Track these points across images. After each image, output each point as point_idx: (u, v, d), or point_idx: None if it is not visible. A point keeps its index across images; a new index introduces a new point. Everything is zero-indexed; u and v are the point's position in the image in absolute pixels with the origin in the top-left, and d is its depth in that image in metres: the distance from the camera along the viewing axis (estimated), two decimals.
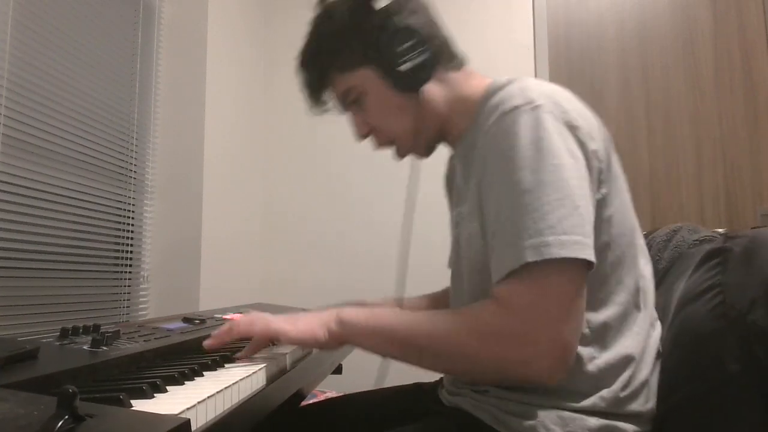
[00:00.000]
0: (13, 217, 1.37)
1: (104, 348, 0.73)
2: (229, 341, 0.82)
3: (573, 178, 0.68)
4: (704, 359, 0.71)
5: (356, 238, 2.42)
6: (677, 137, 2.26)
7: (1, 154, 1.34)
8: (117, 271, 1.80)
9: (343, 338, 0.78)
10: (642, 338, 0.77)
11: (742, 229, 0.92)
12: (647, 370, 0.76)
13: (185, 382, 0.65)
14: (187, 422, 0.42)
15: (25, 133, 1.41)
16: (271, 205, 2.57)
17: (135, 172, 1.88)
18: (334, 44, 0.86)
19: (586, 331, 0.73)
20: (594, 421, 0.71)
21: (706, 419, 0.69)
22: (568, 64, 2.39)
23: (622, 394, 0.73)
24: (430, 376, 0.89)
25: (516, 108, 0.72)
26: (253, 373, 0.72)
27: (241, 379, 0.67)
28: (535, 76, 2.34)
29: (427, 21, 0.85)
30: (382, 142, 0.90)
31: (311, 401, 1.13)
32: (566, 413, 0.71)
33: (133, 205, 1.88)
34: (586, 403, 0.72)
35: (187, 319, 1.10)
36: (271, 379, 0.77)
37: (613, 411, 0.72)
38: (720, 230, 0.98)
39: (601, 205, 0.74)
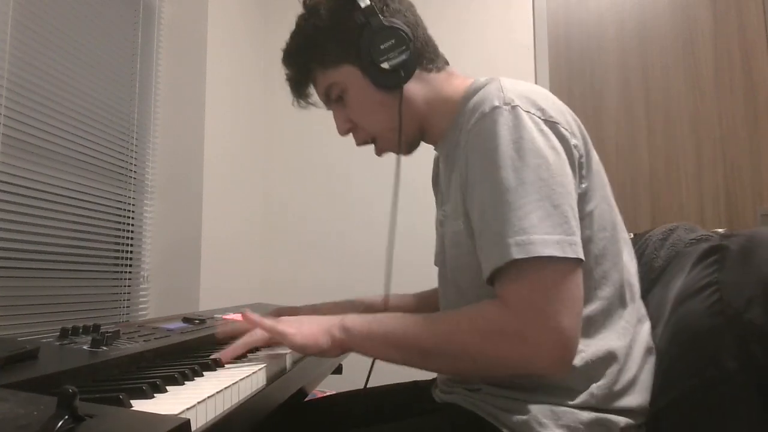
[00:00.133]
0: (13, 217, 1.37)
1: (104, 348, 0.73)
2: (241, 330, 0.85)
3: (555, 176, 0.70)
4: (701, 356, 0.71)
5: (356, 238, 2.42)
6: (677, 137, 2.26)
7: (1, 154, 1.34)
8: (117, 271, 1.80)
9: (346, 345, 0.79)
10: (628, 333, 0.78)
11: (741, 229, 0.92)
12: (636, 365, 0.77)
13: (185, 382, 0.65)
14: (187, 422, 0.42)
15: (25, 133, 1.41)
16: (271, 205, 2.57)
17: (135, 172, 1.88)
18: (317, 41, 0.88)
19: None
20: (586, 415, 0.72)
21: (703, 416, 0.70)
22: (568, 64, 2.39)
23: (613, 390, 0.74)
24: (425, 375, 0.89)
25: (495, 108, 0.73)
26: (253, 373, 0.72)
27: (241, 379, 0.67)
28: (535, 76, 2.34)
29: (409, 21, 0.87)
30: (363, 138, 0.93)
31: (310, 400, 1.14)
32: (559, 408, 0.72)
33: (133, 205, 1.88)
34: (578, 400, 0.73)
35: (187, 319, 1.10)
36: (271, 379, 0.77)
37: (603, 407, 0.73)
38: (720, 230, 0.98)
39: (582, 199, 0.75)
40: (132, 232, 1.86)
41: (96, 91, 1.70)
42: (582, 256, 0.68)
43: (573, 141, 0.75)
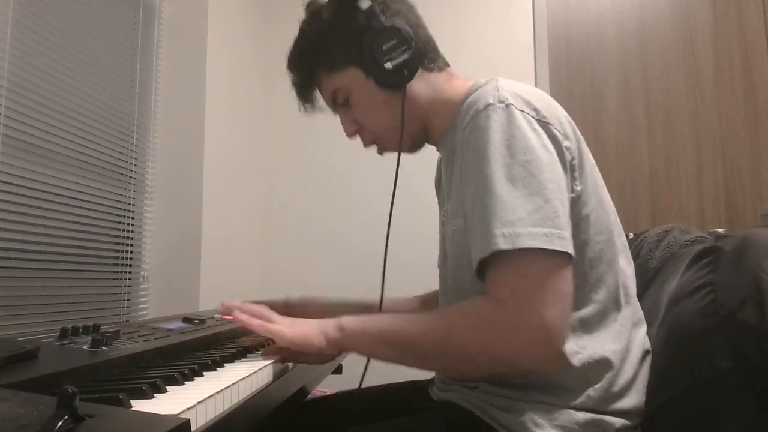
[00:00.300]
0: (13, 217, 1.38)
1: (104, 348, 0.73)
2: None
3: (545, 173, 0.70)
4: (695, 357, 0.71)
5: (356, 238, 2.42)
6: (677, 137, 2.26)
7: (1, 154, 1.34)
8: (117, 271, 1.80)
9: (342, 344, 0.79)
10: (624, 337, 0.78)
11: (741, 230, 0.92)
12: (632, 369, 0.77)
13: (185, 382, 0.65)
14: (187, 422, 0.43)
15: (25, 133, 1.41)
16: (271, 205, 2.57)
17: (135, 172, 1.88)
18: (321, 45, 0.90)
19: None
20: (582, 416, 0.72)
21: (697, 416, 0.70)
22: (568, 64, 2.39)
23: (609, 393, 0.74)
24: (424, 375, 0.89)
25: (489, 105, 0.74)
26: (254, 373, 0.72)
27: (240, 380, 0.67)
28: (535, 76, 2.34)
29: (410, 22, 0.88)
30: (370, 139, 0.94)
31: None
32: (555, 408, 0.72)
33: (133, 205, 1.88)
34: (574, 401, 0.73)
35: (187, 319, 1.10)
36: (271, 379, 0.77)
37: (599, 408, 0.73)
38: (720, 230, 0.98)
39: (577, 203, 0.75)
40: (132, 232, 1.86)
41: (96, 91, 1.70)
42: (572, 251, 0.68)
43: (565, 143, 0.75)
